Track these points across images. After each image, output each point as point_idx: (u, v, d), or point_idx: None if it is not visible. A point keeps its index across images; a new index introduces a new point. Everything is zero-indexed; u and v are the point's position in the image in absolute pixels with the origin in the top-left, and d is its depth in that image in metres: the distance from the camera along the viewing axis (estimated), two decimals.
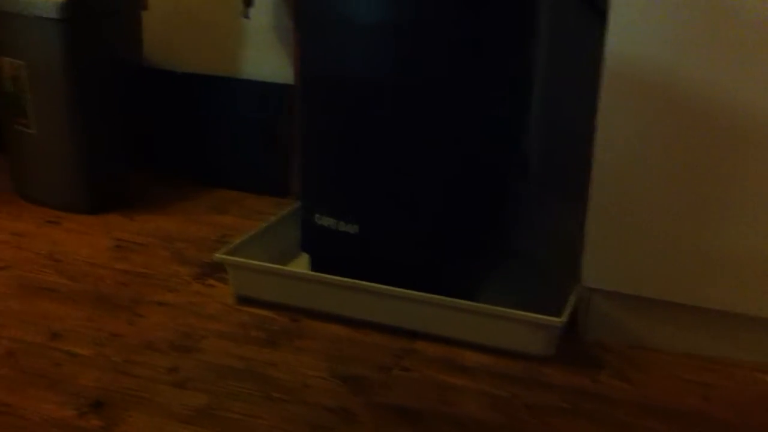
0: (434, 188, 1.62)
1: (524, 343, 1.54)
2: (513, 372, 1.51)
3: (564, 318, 1.52)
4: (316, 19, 1.66)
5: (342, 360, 1.54)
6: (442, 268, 1.65)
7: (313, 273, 1.71)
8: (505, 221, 1.85)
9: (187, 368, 1.49)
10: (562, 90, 2.00)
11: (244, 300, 1.73)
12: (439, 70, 1.56)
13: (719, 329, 1.56)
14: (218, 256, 1.72)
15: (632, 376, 1.51)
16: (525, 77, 1.80)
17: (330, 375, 1.49)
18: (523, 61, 1.77)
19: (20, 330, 1.60)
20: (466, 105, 1.59)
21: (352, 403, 1.41)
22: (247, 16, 2.16)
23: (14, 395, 1.40)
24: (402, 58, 1.57)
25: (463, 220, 1.65)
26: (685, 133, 1.47)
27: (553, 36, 1.96)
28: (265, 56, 2.32)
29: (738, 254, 1.49)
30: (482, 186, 1.68)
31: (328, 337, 1.61)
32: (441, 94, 1.57)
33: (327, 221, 1.68)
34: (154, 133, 2.39)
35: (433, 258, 1.65)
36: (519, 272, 1.82)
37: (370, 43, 1.58)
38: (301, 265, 1.78)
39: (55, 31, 2.03)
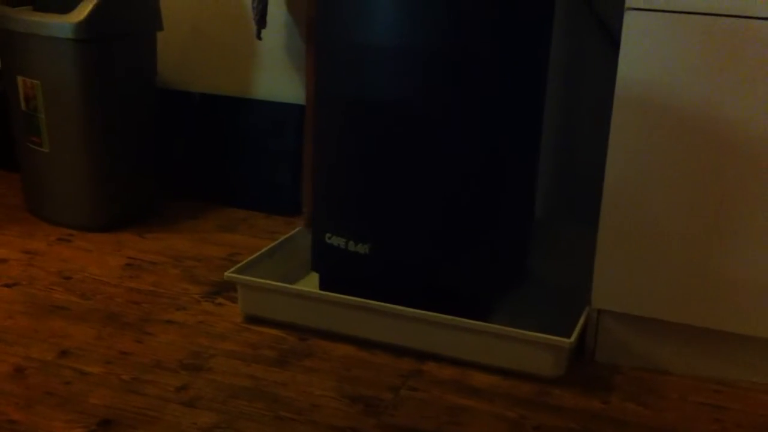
0: (447, 210, 1.62)
1: (534, 365, 1.54)
2: (522, 393, 1.50)
3: (573, 339, 1.51)
4: (331, 42, 1.67)
5: (351, 380, 1.53)
6: (454, 289, 1.65)
7: (322, 293, 1.71)
8: (519, 244, 1.85)
9: (197, 387, 1.49)
10: (579, 116, 2.01)
11: (254, 319, 1.73)
12: (454, 95, 1.57)
13: (731, 351, 1.55)
14: (228, 274, 1.72)
15: (643, 399, 1.50)
16: (539, 101, 1.81)
17: (339, 395, 1.48)
18: (537, 85, 1.78)
19: (30, 347, 1.60)
20: (480, 128, 1.59)
21: (362, 423, 1.40)
22: (259, 37, 2.18)
23: (23, 413, 1.40)
24: (416, 83, 1.57)
25: (476, 243, 1.65)
26: (695, 156, 1.47)
27: (570, 64, 1.98)
28: (278, 77, 2.34)
29: (749, 276, 1.48)
30: (497, 209, 1.68)
31: (338, 357, 1.61)
32: (456, 118, 1.58)
33: (338, 241, 1.69)
34: (166, 152, 2.40)
35: (445, 279, 1.64)
36: (533, 296, 1.82)
37: (385, 66, 1.59)
38: (311, 284, 1.78)
39: (70, 51, 2.04)
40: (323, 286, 1.75)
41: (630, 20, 1.44)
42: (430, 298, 1.61)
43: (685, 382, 1.55)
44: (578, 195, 1.87)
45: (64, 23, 2.02)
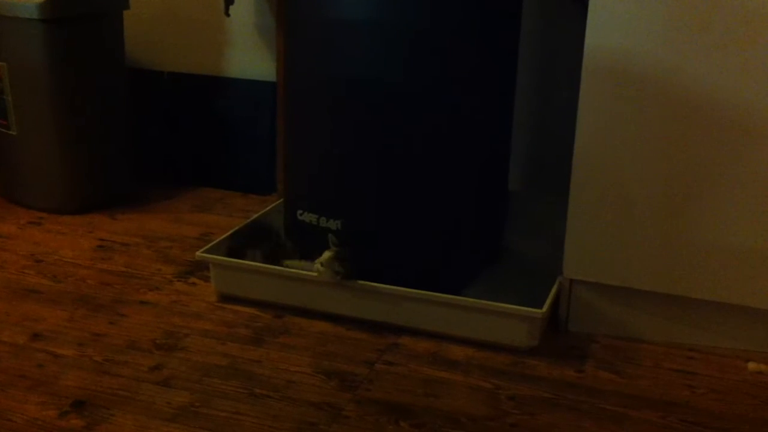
0: (418, 185, 1.62)
1: (508, 336, 1.54)
2: (497, 364, 1.51)
3: (545, 309, 1.51)
4: (301, 18, 1.65)
5: (327, 356, 1.53)
6: (426, 264, 1.65)
7: (296, 270, 1.70)
8: (494, 218, 1.85)
9: (171, 367, 1.48)
10: (550, 87, 2.01)
11: (228, 298, 1.72)
12: (423, 69, 1.56)
13: (703, 318, 1.56)
14: (200, 254, 1.71)
15: (617, 367, 1.51)
16: (509, 76, 1.80)
17: (315, 371, 1.48)
18: (510, 59, 1.77)
19: (2, 331, 1.58)
20: (453, 103, 1.59)
21: (338, 398, 1.40)
22: (227, 14, 2.16)
23: None
24: (386, 57, 1.57)
25: (447, 216, 1.65)
26: (665, 124, 1.47)
27: (541, 33, 1.97)
28: (249, 55, 2.31)
29: (720, 243, 1.49)
30: (468, 182, 1.68)
31: (313, 334, 1.60)
32: (429, 93, 1.57)
33: (309, 217, 1.68)
34: (137, 133, 2.38)
35: (416, 254, 1.64)
36: (508, 268, 1.82)
37: (356, 41, 1.58)
38: None
39: (36, 32, 2.01)
40: None
41: None
42: (403, 273, 1.61)
43: (658, 350, 1.56)
44: (552, 167, 1.87)
45: (29, 4, 1.98)
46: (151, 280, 1.80)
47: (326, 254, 1.59)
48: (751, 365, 1.51)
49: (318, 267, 1.59)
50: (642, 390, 1.44)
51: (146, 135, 2.40)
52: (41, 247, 1.96)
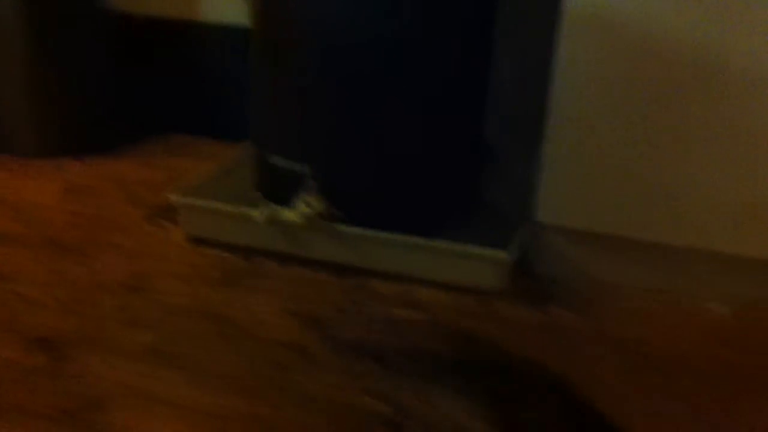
0: (390, 129, 1.61)
1: (476, 279, 1.55)
2: (465, 306, 1.52)
3: (513, 252, 1.52)
4: None
5: (297, 298, 1.53)
6: (397, 208, 1.65)
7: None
8: (465, 164, 1.85)
9: (139, 307, 1.48)
10: (527, 35, 1.99)
11: (198, 241, 1.71)
12: (395, 11, 1.54)
13: (666, 262, 1.58)
14: (169, 196, 1.70)
15: (581, 308, 1.53)
16: (486, 24, 1.78)
17: (284, 312, 1.48)
18: (484, 8, 1.75)
19: None
20: (426, 48, 1.57)
21: (307, 339, 1.41)
22: None
23: None
24: (359, 6, 1.54)
25: (418, 161, 1.65)
26: (640, 70, 1.47)
27: None
28: None
29: (686, 189, 1.50)
30: (439, 128, 1.67)
31: (283, 277, 1.61)
32: (399, 36, 1.55)
33: (280, 161, 1.67)
34: (108, 76, 2.34)
35: (387, 198, 1.64)
36: (481, 214, 1.82)
37: None
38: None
39: None
40: None
41: None
42: (374, 217, 1.61)
43: (623, 292, 1.58)
44: (526, 116, 1.87)
45: None
46: (119, 222, 1.79)
47: (309, 197, 1.58)
48: (711, 306, 1.54)
49: (303, 210, 1.58)
50: (603, 329, 1.46)
51: (118, 79, 2.36)
52: (6, 190, 1.93)
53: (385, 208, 1.64)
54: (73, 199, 1.90)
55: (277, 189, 1.70)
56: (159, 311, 1.47)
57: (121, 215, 1.83)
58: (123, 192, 1.94)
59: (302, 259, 1.64)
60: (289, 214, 1.62)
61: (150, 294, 1.52)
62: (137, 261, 1.64)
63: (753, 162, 1.46)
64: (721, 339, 1.45)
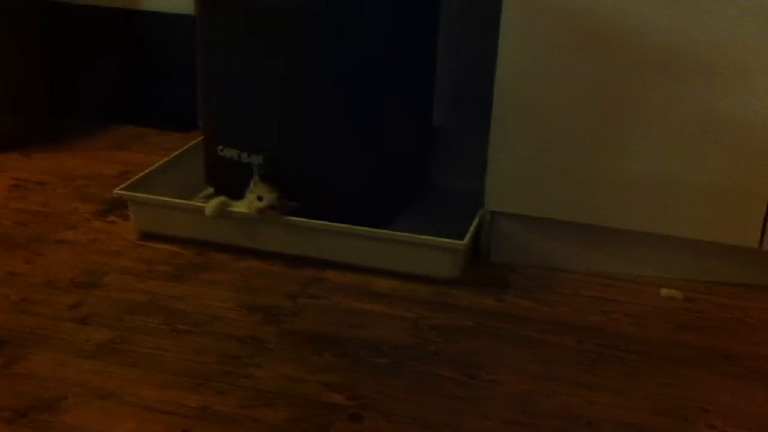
0: (340, 118, 1.60)
1: (431, 268, 1.56)
2: (420, 296, 1.53)
3: (467, 241, 1.53)
4: None
5: (250, 291, 1.52)
6: (350, 198, 1.64)
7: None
8: (418, 153, 1.85)
9: (90, 304, 1.45)
10: (472, 19, 2.00)
11: (148, 236, 1.69)
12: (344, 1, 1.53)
13: (620, 247, 1.61)
14: (117, 191, 1.67)
15: (537, 295, 1.54)
16: (431, 8, 1.78)
17: (238, 306, 1.47)
18: None
19: None
20: (372, 36, 1.57)
21: (262, 331, 1.40)
22: None
23: None
24: None
25: (371, 151, 1.64)
26: (586, 55, 1.48)
27: None
28: None
29: (636, 175, 1.52)
30: (392, 118, 1.67)
31: (236, 270, 1.59)
32: (346, 22, 1.54)
33: (230, 153, 1.65)
34: (54, 68, 2.30)
35: (340, 188, 1.64)
36: (434, 203, 1.83)
37: None
38: None
39: None
40: None
41: None
42: (324, 206, 1.60)
43: (577, 278, 1.60)
44: (476, 101, 1.87)
45: None
46: (68, 219, 1.76)
47: (260, 189, 1.57)
48: (664, 291, 1.56)
49: (254, 202, 1.57)
50: (560, 316, 1.48)
51: (64, 71, 2.32)
52: None
53: (338, 196, 1.63)
54: (20, 195, 1.86)
55: (228, 181, 1.68)
56: (111, 308, 1.45)
57: (70, 211, 1.79)
58: (71, 188, 1.91)
59: (256, 251, 1.63)
60: (240, 207, 1.61)
61: (102, 291, 1.50)
62: (88, 257, 1.61)
63: (704, 145, 1.48)
64: (675, 323, 1.47)
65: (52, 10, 2.25)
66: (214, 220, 1.61)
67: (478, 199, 1.63)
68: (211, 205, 1.61)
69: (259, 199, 1.57)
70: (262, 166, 1.61)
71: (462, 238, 1.54)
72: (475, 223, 1.60)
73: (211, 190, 1.76)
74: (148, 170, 1.76)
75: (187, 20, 2.21)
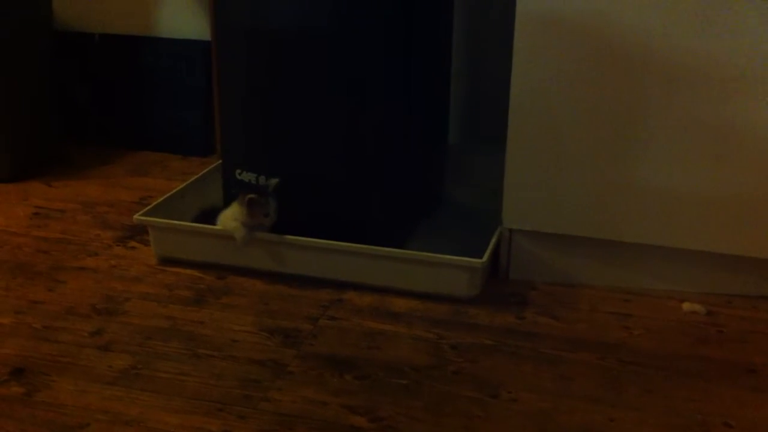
0: (357, 140, 1.61)
1: (449, 286, 1.56)
2: (439, 315, 1.53)
3: (485, 259, 1.53)
4: None
5: (270, 314, 1.53)
6: (367, 218, 1.65)
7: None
8: (433, 170, 1.86)
9: (111, 331, 1.47)
10: (486, 37, 2.01)
11: (169, 261, 1.70)
12: (359, 20, 1.54)
13: (638, 261, 1.60)
14: (137, 217, 1.69)
15: (556, 312, 1.54)
16: (445, 26, 1.79)
17: (258, 329, 1.48)
18: (442, 10, 1.76)
19: None
20: (387, 54, 1.58)
21: (282, 354, 1.40)
22: None
23: None
24: (318, 9, 1.54)
25: (388, 170, 1.65)
26: (600, 72, 1.48)
27: None
28: (180, 12, 2.27)
29: (652, 189, 1.52)
30: (406, 136, 1.67)
31: (256, 293, 1.60)
32: (362, 44, 1.55)
33: (248, 176, 1.67)
34: (72, 97, 2.33)
35: (357, 209, 1.64)
36: (449, 220, 1.83)
37: None
38: None
39: None
40: None
41: None
42: (343, 227, 1.61)
43: (596, 294, 1.60)
44: (491, 119, 1.88)
45: None
46: (89, 246, 1.78)
47: (272, 204, 1.58)
48: (686, 305, 1.55)
49: (262, 219, 1.58)
50: (580, 333, 1.47)
51: (81, 99, 2.35)
52: None
53: (356, 216, 1.64)
54: (40, 223, 1.88)
55: None
56: (133, 334, 1.46)
57: (90, 238, 1.81)
58: (91, 215, 1.93)
59: (275, 273, 1.64)
60: (226, 217, 1.61)
61: (123, 317, 1.51)
62: (109, 284, 1.62)
63: (721, 157, 1.48)
64: (696, 337, 1.46)
65: (67, 39, 2.28)
66: (231, 243, 1.62)
67: (492, 215, 1.63)
68: (239, 233, 1.61)
69: (266, 215, 1.58)
70: (278, 189, 1.61)
71: (478, 256, 1.54)
72: (493, 240, 1.60)
73: None
74: (167, 195, 1.78)
75: (199, 44, 2.24)
